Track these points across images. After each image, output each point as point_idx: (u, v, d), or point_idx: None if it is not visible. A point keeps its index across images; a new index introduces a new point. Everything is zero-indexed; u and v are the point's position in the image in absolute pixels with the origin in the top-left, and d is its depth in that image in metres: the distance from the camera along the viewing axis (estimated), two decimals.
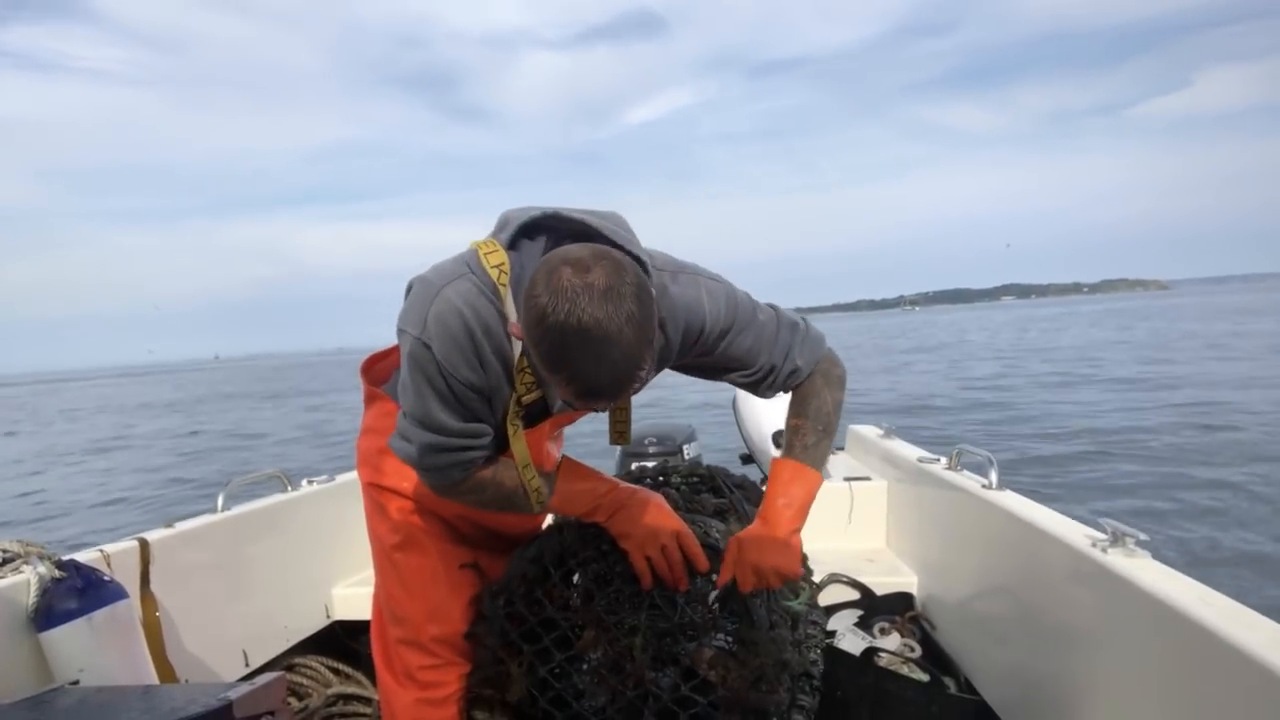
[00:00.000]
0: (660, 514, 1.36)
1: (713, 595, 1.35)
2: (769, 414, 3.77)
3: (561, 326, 0.97)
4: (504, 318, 1.17)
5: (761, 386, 1.41)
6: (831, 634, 2.28)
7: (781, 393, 1.46)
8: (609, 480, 1.38)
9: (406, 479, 1.44)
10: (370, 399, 1.52)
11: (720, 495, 1.68)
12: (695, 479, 1.75)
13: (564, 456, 1.38)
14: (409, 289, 1.22)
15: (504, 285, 1.17)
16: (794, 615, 1.46)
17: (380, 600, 1.54)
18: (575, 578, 1.42)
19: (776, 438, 3.70)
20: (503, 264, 1.18)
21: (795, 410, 1.41)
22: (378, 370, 1.53)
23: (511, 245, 1.20)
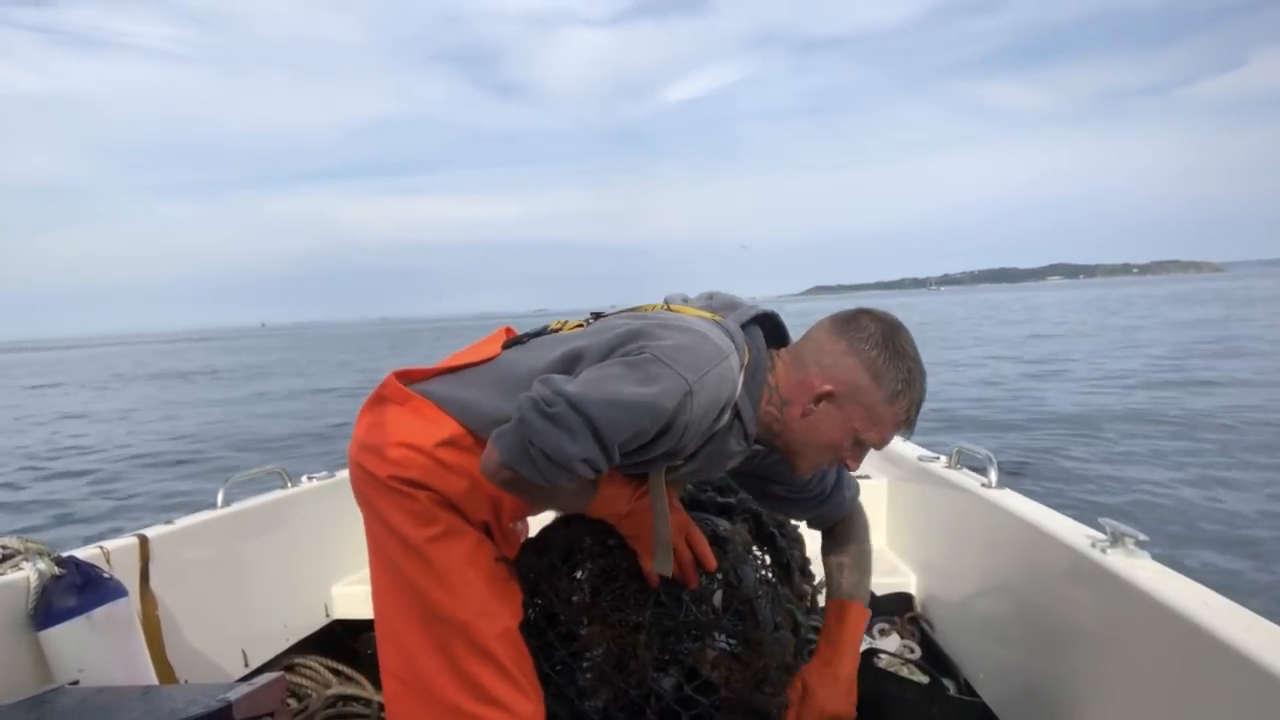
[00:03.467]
0: (675, 513, 1.34)
1: (716, 594, 1.35)
2: None
3: (913, 362, 1.25)
4: (734, 396, 1.25)
5: (802, 509, 1.51)
6: None
7: (816, 525, 1.56)
8: (626, 482, 1.36)
9: (430, 474, 1.32)
10: (399, 398, 1.38)
11: (725, 495, 1.68)
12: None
13: (599, 480, 1.32)
14: (670, 327, 1.22)
15: (743, 369, 1.25)
16: (795, 619, 1.46)
17: (409, 608, 1.35)
18: (579, 573, 1.42)
19: None
20: (744, 352, 1.27)
21: (842, 547, 1.55)
22: (412, 376, 1.42)
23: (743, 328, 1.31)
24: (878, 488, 2.91)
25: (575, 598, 1.38)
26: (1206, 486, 6.71)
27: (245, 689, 1.35)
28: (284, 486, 2.53)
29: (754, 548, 1.55)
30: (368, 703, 2.23)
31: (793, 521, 1.76)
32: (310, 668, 2.30)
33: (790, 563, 1.62)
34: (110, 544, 1.87)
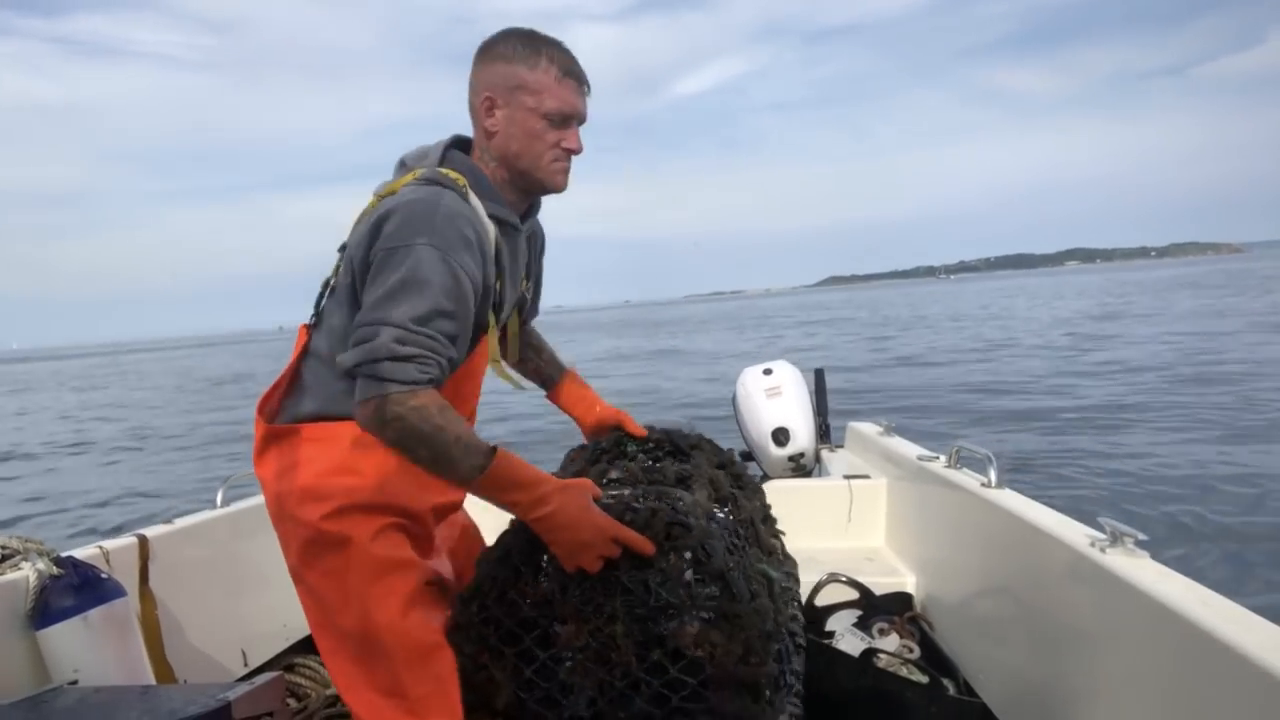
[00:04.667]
0: (589, 515, 1.27)
1: (687, 573, 1.29)
2: (769, 413, 3.76)
3: (525, 32, 1.42)
4: (477, 215, 1.37)
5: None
6: (830, 634, 2.28)
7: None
8: (542, 476, 1.30)
9: (368, 491, 1.37)
10: (279, 435, 1.43)
11: (680, 458, 1.60)
12: (651, 444, 1.68)
13: (497, 447, 1.29)
14: (387, 215, 1.31)
15: (466, 189, 1.37)
16: (769, 579, 1.40)
17: (350, 627, 1.39)
18: (542, 572, 1.36)
19: (777, 435, 3.69)
20: (456, 175, 1.38)
21: (540, 342, 1.79)
22: (272, 403, 1.47)
23: (443, 162, 1.43)
24: (877, 488, 2.91)
25: (545, 598, 1.33)
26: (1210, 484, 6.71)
27: (244, 688, 1.35)
28: None
29: (716, 511, 1.47)
30: None
31: (750, 471, 1.74)
32: (310, 667, 2.30)
33: (752, 518, 1.56)
34: (110, 543, 1.87)
